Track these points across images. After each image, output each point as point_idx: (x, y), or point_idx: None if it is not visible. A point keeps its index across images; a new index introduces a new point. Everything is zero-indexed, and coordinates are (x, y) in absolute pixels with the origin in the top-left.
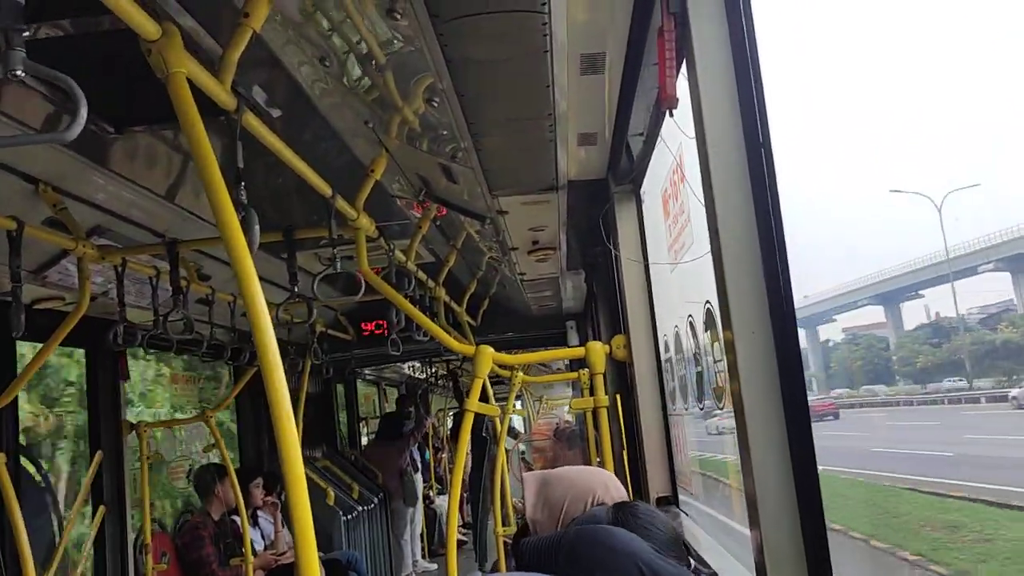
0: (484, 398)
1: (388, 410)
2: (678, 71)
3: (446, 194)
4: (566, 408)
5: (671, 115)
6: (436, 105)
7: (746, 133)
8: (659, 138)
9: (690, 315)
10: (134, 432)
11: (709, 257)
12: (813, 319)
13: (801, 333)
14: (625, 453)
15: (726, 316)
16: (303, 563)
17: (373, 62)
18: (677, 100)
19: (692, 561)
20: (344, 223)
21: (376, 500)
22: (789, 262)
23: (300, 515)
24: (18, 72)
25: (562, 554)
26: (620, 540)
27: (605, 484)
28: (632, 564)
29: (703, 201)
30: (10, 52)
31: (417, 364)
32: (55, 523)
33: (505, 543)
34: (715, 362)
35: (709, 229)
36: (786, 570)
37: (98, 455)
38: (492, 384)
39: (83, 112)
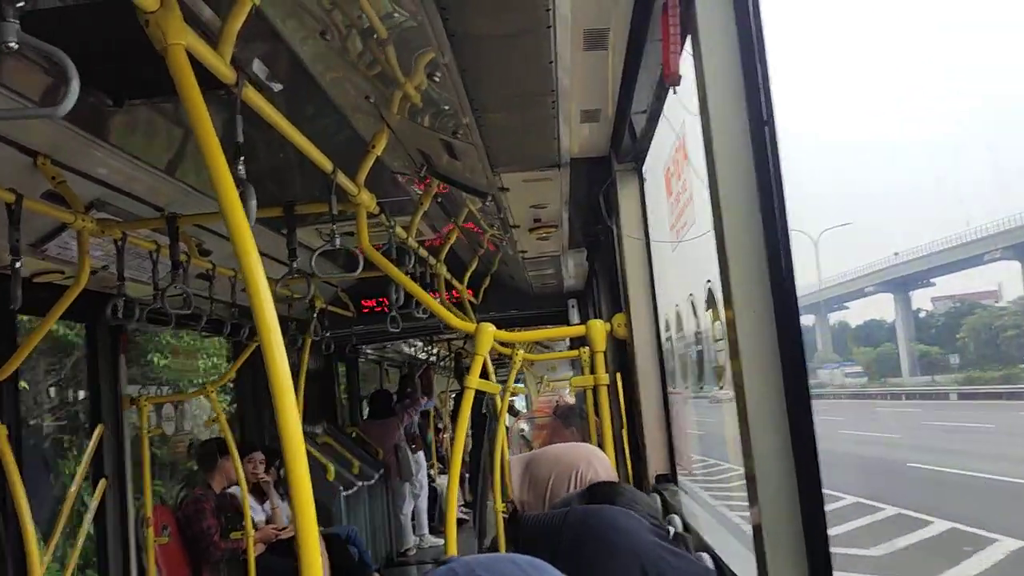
0: (484, 376)
1: (391, 390)
2: (682, 47)
3: (448, 170)
4: (567, 389)
5: (674, 92)
6: (438, 80)
7: (750, 110)
8: (662, 116)
9: (691, 294)
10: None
11: (710, 235)
12: (906, 282)
13: (888, 299)
14: (625, 431)
15: (727, 294)
16: (303, 537)
17: (375, 36)
18: (680, 77)
19: (672, 528)
20: (345, 199)
21: (376, 476)
22: (791, 239)
23: (300, 490)
24: (11, 44)
25: (564, 542)
26: (623, 535)
27: (588, 459)
28: (636, 566)
29: (705, 179)
30: (2, 24)
31: (419, 343)
32: (55, 496)
33: (504, 519)
34: (715, 341)
35: (712, 206)
36: (784, 546)
37: (99, 428)
38: (495, 363)
39: (75, 86)
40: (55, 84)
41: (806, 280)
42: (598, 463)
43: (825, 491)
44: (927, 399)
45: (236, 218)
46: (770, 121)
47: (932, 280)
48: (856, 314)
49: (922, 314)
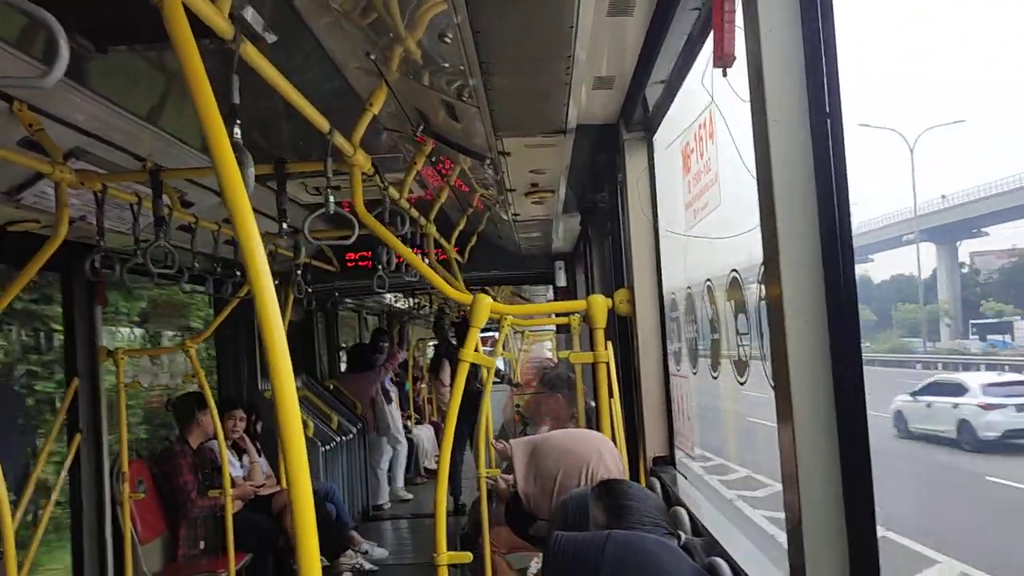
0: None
1: (367, 340)
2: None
3: (445, 131)
4: (548, 344)
5: (725, 75)
6: (449, 41)
7: (812, 101)
8: (681, 88)
9: (708, 280)
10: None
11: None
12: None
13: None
14: (616, 404)
15: (778, 309)
16: (296, 497)
17: None
18: (734, 58)
19: (682, 534)
20: (339, 158)
21: (355, 430)
22: (854, 246)
23: (294, 451)
24: None
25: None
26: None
27: (599, 451)
28: None
29: (753, 173)
30: None
31: (399, 294)
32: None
33: (488, 482)
34: (738, 335)
35: (761, 207)
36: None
37: (74, 381)
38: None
39: (64, 51)
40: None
41: (893, 203)
42: (608, 456)
43: None
44: None
45: (234, 189)
46: (834, 114)
47: (985, 230)
48: (881, 268)
49: (964, 269)
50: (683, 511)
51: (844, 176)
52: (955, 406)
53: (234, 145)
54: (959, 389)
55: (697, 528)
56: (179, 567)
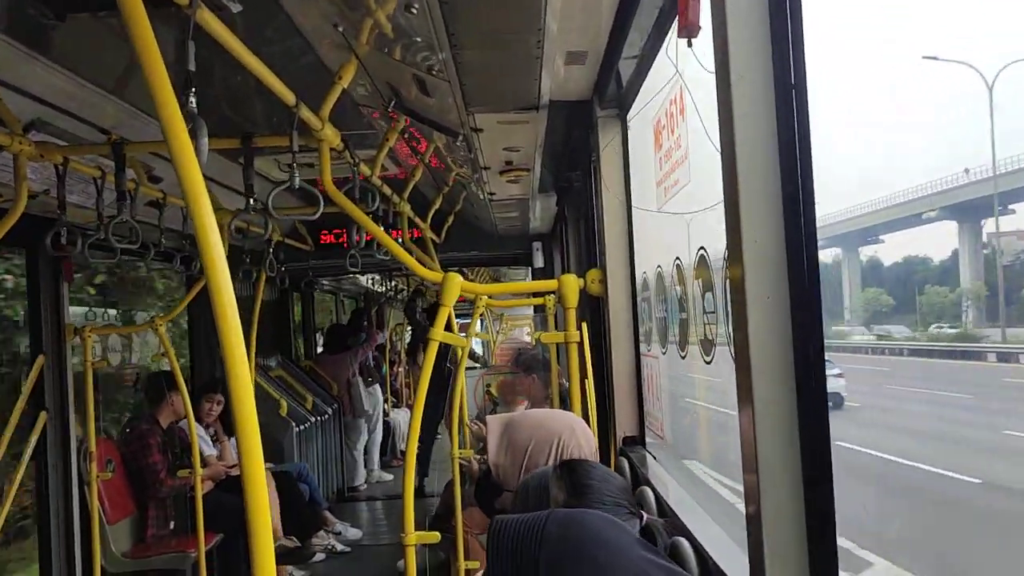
0: (448, 326)
1: (345, 321)
2: None
3: (418, 106)
4: (526, 329)
5: (689, 45)
6: (415, 12)
7: (777, 73)
8: (654, 63)
9: (677, 258)
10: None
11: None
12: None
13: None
14: (589, 384)
15: (740, 287)
16: (249, 478)
17: None
18: (699, 28)
19: (645, 514)
20: (307, 133)
21: (330, 411)
22: (816, 222)
23: (247, 431)
24: None
25: (543, 558)
26: (609, 552)
27: (572, 428)
28: None
29: (718, 147)
30: None
31: (376, 276)
32: None
33: (460, 464)
34: (705, 313)
35: (724, 180)
36: (784, 545)
37: (39, 359)
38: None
39: None
40: None
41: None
42: (581, 434)
43: None
44: None
45: (184, 159)
46: (799, 84)
47: (1012, 207)
48: (889, 250)
49: (987, 251)
50: (649, 491)
51: (807, 150)
52: None
53: (189, 114)
54: None
55: (663, 509)
56: (148, 547)
